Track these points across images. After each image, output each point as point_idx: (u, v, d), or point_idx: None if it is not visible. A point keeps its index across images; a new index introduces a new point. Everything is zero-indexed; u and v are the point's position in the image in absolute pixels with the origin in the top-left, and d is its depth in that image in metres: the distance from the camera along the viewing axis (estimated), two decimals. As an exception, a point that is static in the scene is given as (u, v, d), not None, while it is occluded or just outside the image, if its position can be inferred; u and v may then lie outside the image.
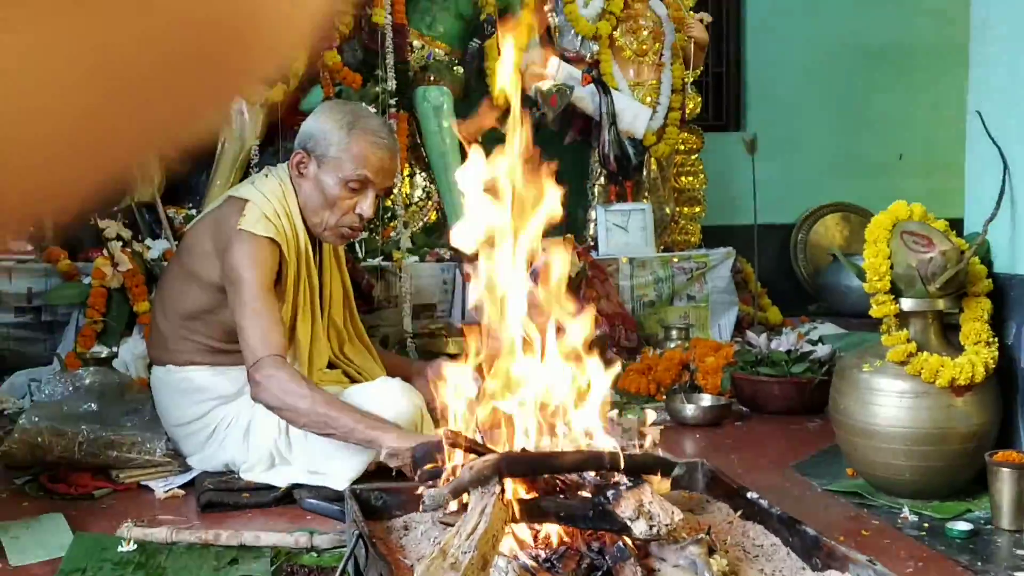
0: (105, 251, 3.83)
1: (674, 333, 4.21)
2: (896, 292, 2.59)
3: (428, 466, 1.90)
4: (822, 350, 3.53)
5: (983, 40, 2.79)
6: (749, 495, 2.04)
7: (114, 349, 3.60)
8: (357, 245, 4.23)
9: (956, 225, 2.79)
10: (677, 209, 5.18)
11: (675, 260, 4.64)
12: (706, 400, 3.48)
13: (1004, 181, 2.61)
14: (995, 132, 2.65)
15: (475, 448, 1.80)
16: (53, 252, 3.97)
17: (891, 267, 2.57)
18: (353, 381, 2.76)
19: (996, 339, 2.59)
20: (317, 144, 2.64)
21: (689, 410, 3.41)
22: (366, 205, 2.65)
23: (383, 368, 2.85)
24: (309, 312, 2.71)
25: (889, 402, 2.55)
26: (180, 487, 2.62)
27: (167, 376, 2.71)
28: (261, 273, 2.50)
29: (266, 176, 2.74)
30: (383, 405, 2.45)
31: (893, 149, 5.93)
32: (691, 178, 5.25)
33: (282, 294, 2.60)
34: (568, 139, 4.91)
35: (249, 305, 2.47)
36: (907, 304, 2.58)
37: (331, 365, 2.80)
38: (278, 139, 4.37)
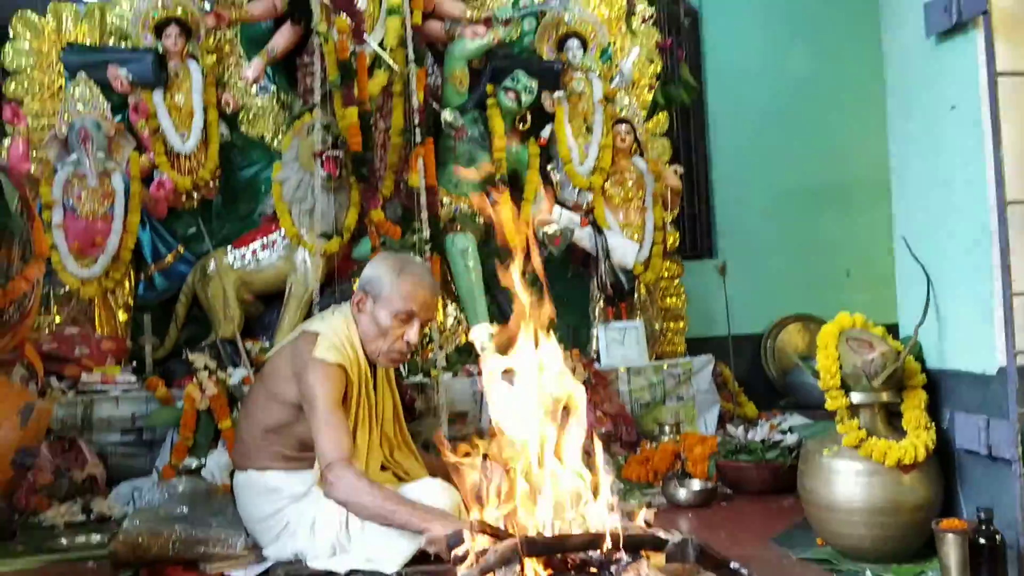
0: (195, 379, 3.87)
1: (667, 428, 4.17)
2: (846, 388, 2.59)
3: (459, 549, 1.89)
4: (790, 438, 3.50)
5: (901, 177, 2.84)
6: (733, 565, 2.02)
7: (202, 461, 3.62)
8: (402, 366, 4.26)
9: (893, 329, 2.79)
10: (665, 324, 5.19)
11: (665, 367, 4.63)
12: (696, 485, 3.44)
13: (928, 293, 2.62)
14: (918, 252, 2.68)
15: (498, 533, 1.79)
16: (152, 382, 4.02)
17: (840, 367, 2.58)
18: (401, 481, 2.75)
19: (933, 424, 2.57)
20: (374, 286, 2.72)
21: (682, 494, 3.37)
22: (412, 334, 2.71)
23: (426, 469, 2.85)
24: (367, 424, 2.73)
25: (847, 481, 2.53)
26: (258, 575, 2.60)
27: (248, 480, 2.72)
28: (332, 393, 2.56)
29: (332, 313, 2.81)
30: (427, 501, 2.46)
31: (841, 267, 5.97)
32: (674, 299, 5.27)
33: (347, 410, 2.63)
34: (571, 271, 4.96)
35: (322, 418, 2.52)
36: (856, 398, 2.57)
37: (383, 468, 2.80)
38: (335, 282, 4.43)
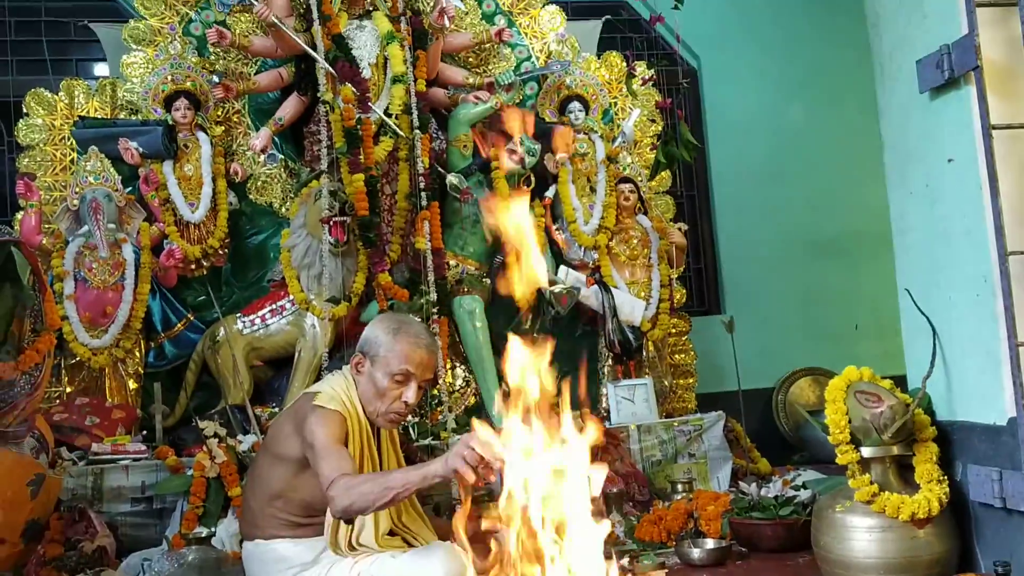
0: (204, 447, 3.86)
1: (679, 487, 4.13)
2: (856, 442, 2.58)
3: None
4: (804, 494, 3.47)
5: (902, 230, 2.86)
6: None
7: (212, 529, 3.58)
8: (411, 428, 4.25)
9: (903, 381, 2.79)
10: (674, 381, 5.17)
11: (675, 424, 4.60)
12: (710, 543, 3.40)
13: (935, 344, 2.63)
14: (922, 304, 2.69)
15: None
16: (162, 450, 4.02)
17: (849, 421, 2.58)
18: (409, 546, 2.73)
19: (946, 477, 2.56)
20: (371, 347, 2.72)
21: (695, 553, 3.33)
22: (410, 394, 2.70)
23: (435, 533, 2.83)
24: None
25: (861, 536, 2.50)
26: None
27: (256, 549, 2.71)
28: (332, 432, 2.55)
29: (332, 375, 2.82)
30: (435, 565, 2.44)
31: (849, 319, 5.96)
32: (683, 355, 5.26)
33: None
34: (579, 331, 4.97)
35: (322, 452, 2.49)
36: (867, 451, 2.56)
37: (391, 532, 2.78)
38: (343, 346, 4.44)
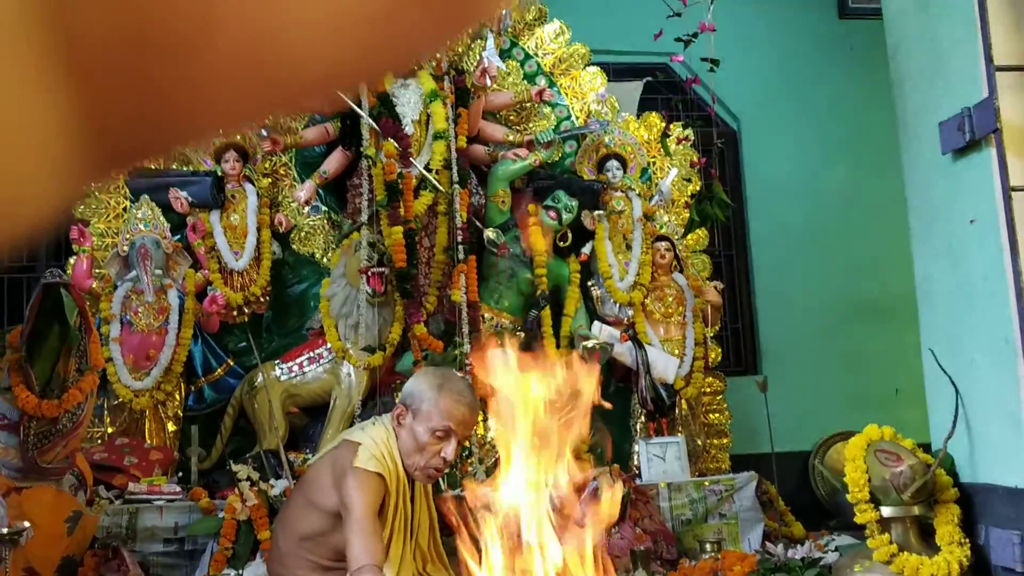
0: (236, 489, 3.94)
1: (708, 547, 4.11)
2: (876, 501, 2.57)
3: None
4: (831, 556, 3.43)
5: (926, 290, 2.88)
6: None
7: (240, 572, 3.66)
8: (440, 479, 4.29)
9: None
10: (708, 441, 5.15)
11: (706, 483, 4.58)
12: (734, 604, 3.38)
13: (957, 405, 2.63)
14: (946, 364, 2.70)
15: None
16: (196, 492, 4.11)
17: (869, 480, 2.58)
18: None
19: (968, 540, 2.54)
20: (414, 400, 2.76)
21: (719, 613, 3.31)
22: (449, 450, 2.72)
23: None
24: (402, 535, 2.76)
25: (880, 598, 2.49)
26: None
27: None
28: (369, 501, 2.59)
29: (373, 424, 2.86)
30: None
31: (889, 384, 5.89)
32: (717, 415, 5.25)
33: (383, 520, 2.67)
34: (612, 387, 4.99)
35: (358, 524, 2.54)
36: (887, 511, 2.56)
37: None
38: (377, 395, 4.52)
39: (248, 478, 4.04)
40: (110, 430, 4.48)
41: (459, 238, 4.73)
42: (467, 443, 4.52)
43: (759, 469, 4.87)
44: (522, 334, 4.89)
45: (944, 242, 2.76)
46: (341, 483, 2.64)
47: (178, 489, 4.15)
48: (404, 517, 2.77)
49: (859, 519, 2.57)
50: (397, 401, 2.86)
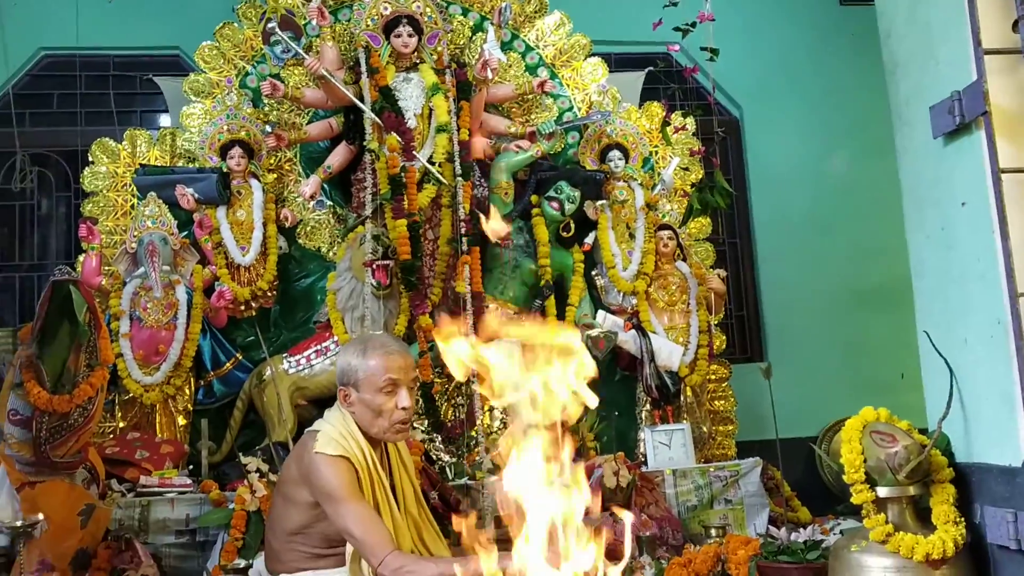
0: (246, 481, 4.01)
1: (713, 532, 4.15)
2: (872, 482, 2.61)
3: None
4: (832, 539, 3.47)
5: (920, 275, 2.91)
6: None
7: (250, 562, 3.71)
8: (447, 468, 4.35)
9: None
10: (713, 428, 5.19)
11: (711, 469, 4.62)
12: (737, 586, 3.42)
13: (951, 385, 2.66)
14: (940, 346, 2.73)
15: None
16: (206, 484, 4.18)
17: (864, 461, 2.61)
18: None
19: (963, 519, 2.57)
20: (348, 376, 2.77)
21: (722, 595, 3.35)
22: (403, 399, 2.73)
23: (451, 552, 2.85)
24: (388, 507, 2.74)
25: (876, 576, 2.53)
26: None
27: (262, 566, 2.78)
28: (343, 482, 2.59)
29: (328, 411, 2.86)
30: None
31: (894, 370, 5.89)
32: (723, 401, 5.29)
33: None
34: (617, 375, 5.04)
35: (349, 513, 2.54)
36: (882, 491, 2.60)
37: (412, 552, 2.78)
38: (383, 386, 4.56)
39: (257, 470, 4.11)
40: (121, 425, 4.56)
41: (462, 230, 4.78)
42: (473, 432, 4.58)
43: (765, 455, 4.90)
44: (530, 323, 4.92)
45: (936, 225, 2.79)
46: (309, 474, 2.64)
47: (189, 482, 4.22)
48: (384, 491, 2.75)
49: (855, 500, 2.61)
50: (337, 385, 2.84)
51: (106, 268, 4.71)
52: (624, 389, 5.04)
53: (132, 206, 4.91)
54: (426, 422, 4.60)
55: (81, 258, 4.72)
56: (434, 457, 4.42)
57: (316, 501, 2.64)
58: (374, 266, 4.56)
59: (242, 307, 4.83)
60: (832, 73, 6.29)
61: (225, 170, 4.86)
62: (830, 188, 6.13)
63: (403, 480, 2.90)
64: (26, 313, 5.25)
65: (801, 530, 3.73)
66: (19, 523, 3.12)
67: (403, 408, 2.73)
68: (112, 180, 4.94)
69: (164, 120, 5.66)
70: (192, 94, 5.04)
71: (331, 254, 5.04)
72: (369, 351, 2.76)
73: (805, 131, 6.23)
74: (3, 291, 5.55)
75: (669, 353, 4.91)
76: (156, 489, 4.13)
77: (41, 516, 3.28)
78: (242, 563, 3.72)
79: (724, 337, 5.38)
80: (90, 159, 4.96)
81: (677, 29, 4.19)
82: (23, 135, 5.30)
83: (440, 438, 4.55)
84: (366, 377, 2.73)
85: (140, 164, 4.96)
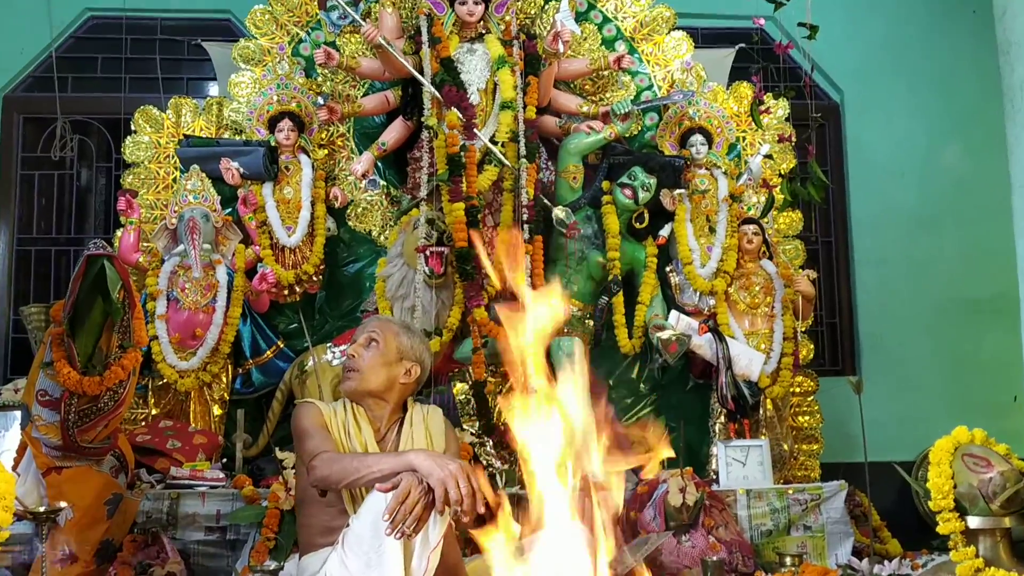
0: (281, 478, 4.09)
1: (788, 560, 4.11)
2: (962, 511, 2.57)
3: None
4: (916, 572, 3.43)
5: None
6: None
7: (281, 564, 3.79)
8: (498, 476, 4.39)
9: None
10: (796, 446, 5.14)
11: (790, 492, 4.57)
12: (810, 620, 3.39)
13: (1058, 408, 2.61)
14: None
15: None
16: (240, 479, 4.28)
17: (955, 487, 2.58)
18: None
19: (1066, 557, 2.52)
20: (414, 353, 3.08)
21: (792, 629, 3.33)
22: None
23: None
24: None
25: (962, 616, 2.49)
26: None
27: (302, 561, 2.89)
28: (310, 421, 2.84)
29: None
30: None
31: (1007, 390, 5.76)
32: (807, 417, 5.23)
33: (334, 440, 2.82)
34: (689, 383, 5.02)
35: (304, 436, 2.79)
36: (973, 522, 2.56)
37: None
38: (432, 384, 4.62)
39: (293, 466, 4.19)
40: (154, 412, 4.70)
41: (525, 217, 4.80)
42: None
43: (852, 479, 4.83)
44: (591, 323, 4.94)
45: (1051, 227, 2.72)
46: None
47: (222, 476, 4.33)
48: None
49: (941, 529, 2.58)
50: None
51: (144, 244, 4.86)
52: (697, 399, 5.03)
53: (174, 179, 5.05)
54: (476, 424, 4.65)
55: (119, 233, 4.87)
56: (484, 463, 4.46)
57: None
58: (428, 252, 4.61)
59: (285, 292, 4.93)
60: (945, 55, 6.16)
61: (273, 144, 4.96)
62: (940, 183, 6.01)
63: (412, 439, 2.98)
64: (61, 289, 5.43)
65: (887, 563, 3.69)
66: (43, 508, 3.23)
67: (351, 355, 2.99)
68: (155, 151, 5.09)
69: (212, 88, 5.81)
70: (242, 61, 5.17)
71: (382, 238, 5.12)
72: (417, 335, 3.16)
73: (913, 119, 6.11)
74: (39, 265, 5.76)
75: (749, 361, 4.87)
76: (187, 482, 4.24)
77: (65, 504, 3.40)
78: (273, 565, 3.80)
79: (812, 346, 5.32)
80: (132, 128, 5.12)
81: (771, 0, 4.16)
82: (65, 101, 5.50)
83: (492, 442, 4.58)
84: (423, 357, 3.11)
85: (184, 135, 5.09)
